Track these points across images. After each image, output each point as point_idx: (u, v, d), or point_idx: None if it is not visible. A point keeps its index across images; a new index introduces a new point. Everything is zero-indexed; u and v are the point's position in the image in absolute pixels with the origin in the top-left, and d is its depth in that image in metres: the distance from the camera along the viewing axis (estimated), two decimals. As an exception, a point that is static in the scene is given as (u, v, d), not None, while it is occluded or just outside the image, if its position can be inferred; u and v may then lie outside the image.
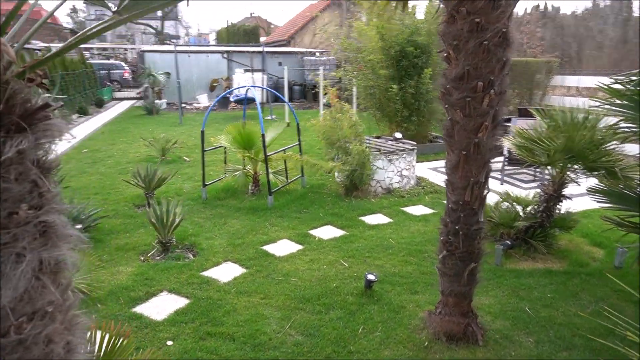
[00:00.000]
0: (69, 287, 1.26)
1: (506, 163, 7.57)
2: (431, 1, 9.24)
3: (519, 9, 19.86)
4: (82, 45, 32.24)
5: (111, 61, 25.37)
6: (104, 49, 32.14)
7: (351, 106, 12.45)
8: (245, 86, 8.24)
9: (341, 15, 19.22)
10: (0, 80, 0.97)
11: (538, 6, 18.08)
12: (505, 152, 7.37)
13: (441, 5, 2.96)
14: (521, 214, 4.95)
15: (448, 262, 3.09)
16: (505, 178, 7.67)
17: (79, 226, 4.77)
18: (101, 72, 20.96)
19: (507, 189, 6.50)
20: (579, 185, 4.79)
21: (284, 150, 6.84)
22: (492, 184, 7.31)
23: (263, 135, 6.07)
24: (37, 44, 22.24)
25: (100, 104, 17.51)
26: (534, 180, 7.65)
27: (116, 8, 1.28)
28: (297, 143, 7.09)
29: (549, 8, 17.99)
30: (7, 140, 0.99)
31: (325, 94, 13.88)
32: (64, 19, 43.33)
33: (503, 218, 4.82)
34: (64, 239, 1.18)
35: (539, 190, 4.88)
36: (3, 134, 0.99)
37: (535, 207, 4.85)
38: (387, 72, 9.01)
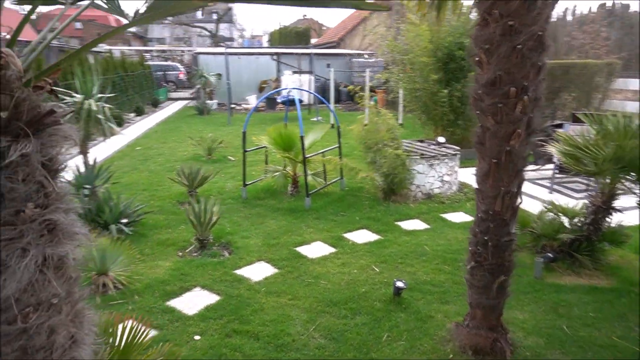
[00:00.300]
0: (77, 281, 1.34)
1: (557, 171, 7.19)
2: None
3: (583, 8, 18.78)
4: (142, 48, 33.92)
5: (168, 63, 26.54)
6: (163, 51, 33.71)
7: (397, 109, 12.36)
8: (286, 88, 8.34)
9: (390, 17, 19.03)
10: (5, 89, 1.05)
11: (604, 4, 17.04)
12: (556, 160, 7.01)
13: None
14: (567, 225, 4.69)
15: (476, 274, 2.98)
16: (556, 187, 7.29)
17: (124, 220, 5.04)
18: (158, 73, 21.97)
19: (555, 198, 6.19)
20: (638, 195, 4.47)
21: (323, 152, 6.86)
22: (540, 192, 7.00)
23: (302, 138, 6.13)
24: (102, 46, 23.67)
25: (155, 104, 18.36)
26: (586, 190, 7.21)
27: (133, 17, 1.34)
28: (337, 145, 7.09)
29: (617, 6, 16.89)
30: (12, 145, 1.07)
31: (372, 96, 13.82)
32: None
33: (546, 229, 4.58)
34: (70, 237, 1.26)
35: (586, 201, 4.60)
36: (9, 138, 1.07)
37: (582, 219, 4.58)
38: (436, 76, 8.82)
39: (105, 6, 1.59)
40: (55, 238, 1.21)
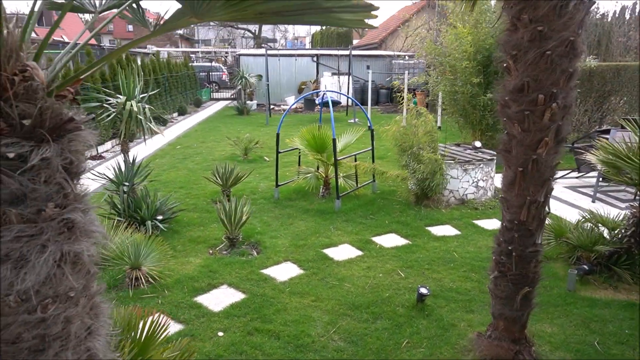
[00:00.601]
0: (94, 276, 1.44)
1: (601, 179, 6.88)
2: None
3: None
4: (189, 49, 34.99)
5: (212, 64, 27.26)
6: (208, 52, 34.66)
7: (436, 112, 12.17)
8: (321, 90, 8.40)
9: (430, 19, 18.74)
10: (30, 99, 1.15)
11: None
12: (599, 167, 6.70)
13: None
14: (606, 236, 4.49)
15: (500, 284, 2.92)
16: (600, 195, 6.97)
17: (159, 217, 5.25)
18: (202, 74, 22.60)
19: (598, 207, 5.94)
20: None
21: (355, 155, 6.87)
22: (582, 201, 6.71)
23: (334, 140, 6.16)
24: (151, 48, 24.63)
25: (198, 104, 18.91)
26: (635, 200, 6.85)
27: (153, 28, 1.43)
28: (370, 148, 7.08)
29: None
30: (35, 149, 1.16)
31: (411, 98, 13.66)
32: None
33: (582, 240, 4.40)
34: (87, 235, 1.35)
35: (627, 212, 4.39)
36: (32, 143, 1.17)
37: (623, 230, 4.37)
38: (477, 79, 8.64)
39: (130, 16, 1.69)
40: (73, 236, 1.30)
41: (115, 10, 1.62)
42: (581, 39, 2.54)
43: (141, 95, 5.66)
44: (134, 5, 1.66)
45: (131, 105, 5.37)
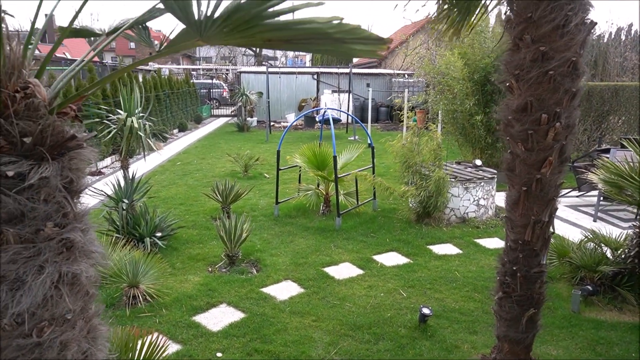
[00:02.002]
0: (92, 298, 1.40)
1: (602, 198, 6.86)
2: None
3: None
4: (190, 67, 35.30)
5: (213, 81, 27.47)
6: (209, 69, 34.93)
7: (437, 129, 12.21)
8: (322, 108, 8.43)
9: (429, 38, 18.97)
10: (31, 117, 1.13)
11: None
12: (600, 186, 6.68)
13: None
14: (609, 256, 4.44)
15: (504, 305, 2.87)
16: (601, 215, 6.94)
17: (158, 234, 5.20)
18: (203, 90, 22.74)
19: (600, 226, 5.90)
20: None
21: (356, 172, 6.85)
22: (584, 220, 6.68)
23: (335, 157, 6.16)
24: (153, 65, 24.83)
25: (198, 120, 18.98)
26: (636, 219, 6.82)
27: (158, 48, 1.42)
28: (371, 165, 7.06)
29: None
30: (34, 168, 1.14)
31: (412, 116, 13.73)
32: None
33: (586, 260, 4.35)
34: (87, 255, 1.32)
35: (630, 231, 4.35)
36: (31, 162, 1.14)
37: (627, 250, 4.33)
38: (472, 99, 8.70)
39: (135, 37, 1.68)
40: (72, 256, 1.27)
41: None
42: (583, 59, 2.54)
43: (141, 114, 5.67)
44: (140, 25, 1.66)
45: (132, 122, 5.37)
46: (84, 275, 1.28)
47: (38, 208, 1.18)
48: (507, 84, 2.69)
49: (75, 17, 1.36)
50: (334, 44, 0.93)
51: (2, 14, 1.15)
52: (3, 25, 1.12)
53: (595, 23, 2.49)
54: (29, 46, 1.21)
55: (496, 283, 2.97)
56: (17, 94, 1.12)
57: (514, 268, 2.79)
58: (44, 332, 1.24)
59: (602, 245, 4.54)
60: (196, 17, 0.99)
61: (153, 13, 1.56)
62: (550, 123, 2.55)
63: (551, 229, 2.79)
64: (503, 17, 2.97)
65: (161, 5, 1.52)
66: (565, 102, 2.54)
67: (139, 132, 5.33)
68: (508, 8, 2.69)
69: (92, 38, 1.72)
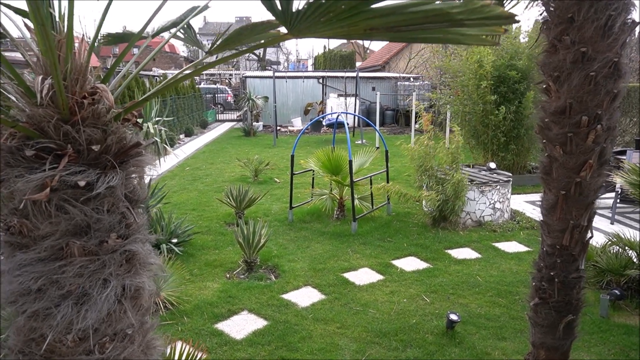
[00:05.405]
0: (148, 311, 1.35)
1: (618, 201, 6.79)
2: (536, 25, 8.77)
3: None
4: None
5: (217, 85, 27.47)
6: (212, 74, 34.94)
7: (444, 131, 12.14)
8: (335, 112, 8.40)
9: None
10: (98, 124, 1.08)
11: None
12: (618, 189, 6.62)
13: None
14: (634, 260, 4.37)
15: (541, 311, 2.80)
16: (618, 217, 6.86)
17: (174, 240, 5.15)
18: (207, 95, 22.73)
19: (617, 229, 5.83)
20: None
21: (370, 177, 6.81)
22: (600, 223, 6.60)
23: (350, 162, 6.10)
24: (157, 71, 24.85)
25: (204, 125, 18.95)
26: (653, 222, 6.75)
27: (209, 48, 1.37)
28: (385, 170, 7.01)
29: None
30: (101, 177, 1.09)
31: (418, 119, 13.67)
32: (181, 48, 47.89)
33: (611, 264, 4.29)
34: (146, 267, 1.27)
35: (657, 235, 4.29)
36: (98, 171, 1.09)
37: (653, 254, 4.26)
38: (492, 97, 8.64)
39: (183, 37, 1.64)
40: (133, 268, 1.22)
41: (168, 34, 1.56)
42: (624, 59, 2.49)
43: (157, 118, 5.63)
44: (185, 25, 1.61)
45: (147, 127, 5.32)
46: (146, 288, 1.23)
47: (103, 219, 1.14)
48: (544, 86, 2.64)
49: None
50: (445, 28, 0.86)
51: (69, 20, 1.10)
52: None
53: (638, 23, 2.44)
54: (92, 51, 1.16)
55: (531, 289, 2.91)
56: (85, 100, 1.07)
57: (552, 273, 2.73)
58: (106, 348, 1.19)
59: (627, 248, 4.47)
60: (283, 6, 0.92)
61: (194, 10, 1.51)
62: (590, 125, 2.50)
63: (589, 233, 2.73)
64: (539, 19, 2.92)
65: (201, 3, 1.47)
66: (606, 103, 2.49)
67: (155, 138, 5.28)
68: (544, 9, 2.65)
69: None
